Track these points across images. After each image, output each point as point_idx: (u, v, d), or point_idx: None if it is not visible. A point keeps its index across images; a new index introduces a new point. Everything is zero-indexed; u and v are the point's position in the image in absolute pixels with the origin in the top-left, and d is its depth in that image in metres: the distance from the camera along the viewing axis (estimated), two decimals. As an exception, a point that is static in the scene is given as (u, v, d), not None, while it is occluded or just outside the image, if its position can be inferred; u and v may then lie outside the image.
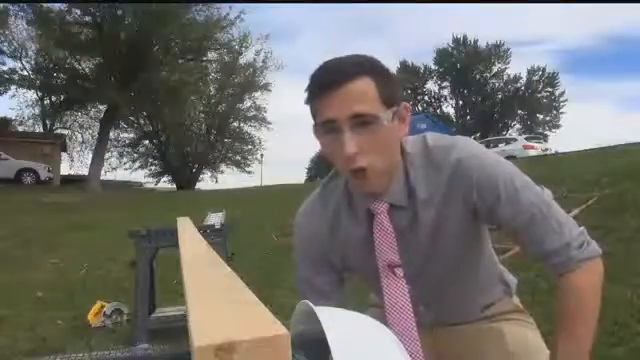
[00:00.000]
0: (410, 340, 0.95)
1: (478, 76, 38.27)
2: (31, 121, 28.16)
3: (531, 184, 0.96)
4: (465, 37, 38.11)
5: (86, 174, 23.12)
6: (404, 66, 39.69)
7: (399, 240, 0.98)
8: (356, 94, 0.87)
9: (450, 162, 0.94)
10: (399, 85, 0.99)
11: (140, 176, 32.07)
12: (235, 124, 31.54)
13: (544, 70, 37.63)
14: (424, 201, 0.96)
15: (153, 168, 32.01)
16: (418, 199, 0.96)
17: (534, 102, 37.23)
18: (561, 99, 37.57)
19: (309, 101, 0.93)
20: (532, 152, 19.34)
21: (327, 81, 0.88)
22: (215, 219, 4.19)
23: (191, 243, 1.07)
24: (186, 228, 1.41)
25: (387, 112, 0.90)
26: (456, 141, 0.97)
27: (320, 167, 31.66)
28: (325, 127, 0.90)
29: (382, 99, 0.89)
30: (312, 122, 0.98)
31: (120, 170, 30.96)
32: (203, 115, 30.55)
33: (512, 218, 0.94)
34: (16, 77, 22.90)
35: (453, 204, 0.96)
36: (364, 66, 0.90)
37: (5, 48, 22.52)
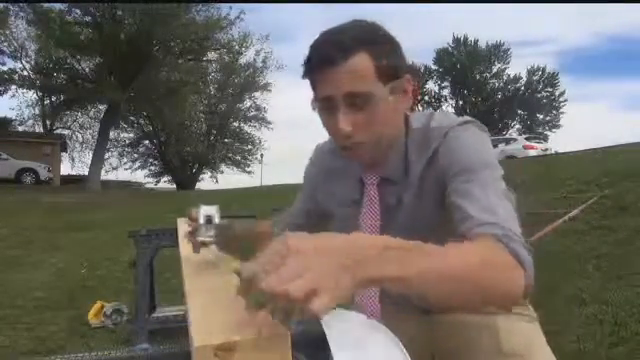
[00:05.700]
0: (370, 312, 0.94)
1: (478, 76, 38.21)
2: (31, 121, 28.31)
3: (503, 187, 0.86)
4: (465, 37, 38.11)
5: (86, 174, 23.14)
6: (404, 66, 39.61)
7: (383, 216, 0.97)
8: (351, 73, 0.86)
9: (437, 141, 0.92)
10: (401, 55, 0.93)
11: (140, 176, 32.13)
12: (235, 124, 31.54)
13: (544, 70, 37.61)
14: (412, 180, 0.95)
15: (153, 168, 32.06)
16: (410, 177, 0.95)
17: (534, 102, 37.20)
18: (561, 99, 37.58)
19: (307, 75, 0.92)
20: (532, 152, 19.38)
21: (324, 58, 0.87)
22: (210, 211, 4.18)
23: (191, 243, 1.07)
24: (186, 228, 1.41)
25: (384, 88, 0.87)
26: (456, 124, 0.93)
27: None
28: (322, 103, 0.91)
29: (379, 74, 0.87)
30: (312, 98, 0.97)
31: (120, 170, 31.04)
32: (203, 115, 30.54)
33: (458, 185, 0.86)
34: (16, 77, 22.95)
35: (431, 186, 0.93)
36: (362, 40, 0.87)
37: (5, 48, 22.57)
